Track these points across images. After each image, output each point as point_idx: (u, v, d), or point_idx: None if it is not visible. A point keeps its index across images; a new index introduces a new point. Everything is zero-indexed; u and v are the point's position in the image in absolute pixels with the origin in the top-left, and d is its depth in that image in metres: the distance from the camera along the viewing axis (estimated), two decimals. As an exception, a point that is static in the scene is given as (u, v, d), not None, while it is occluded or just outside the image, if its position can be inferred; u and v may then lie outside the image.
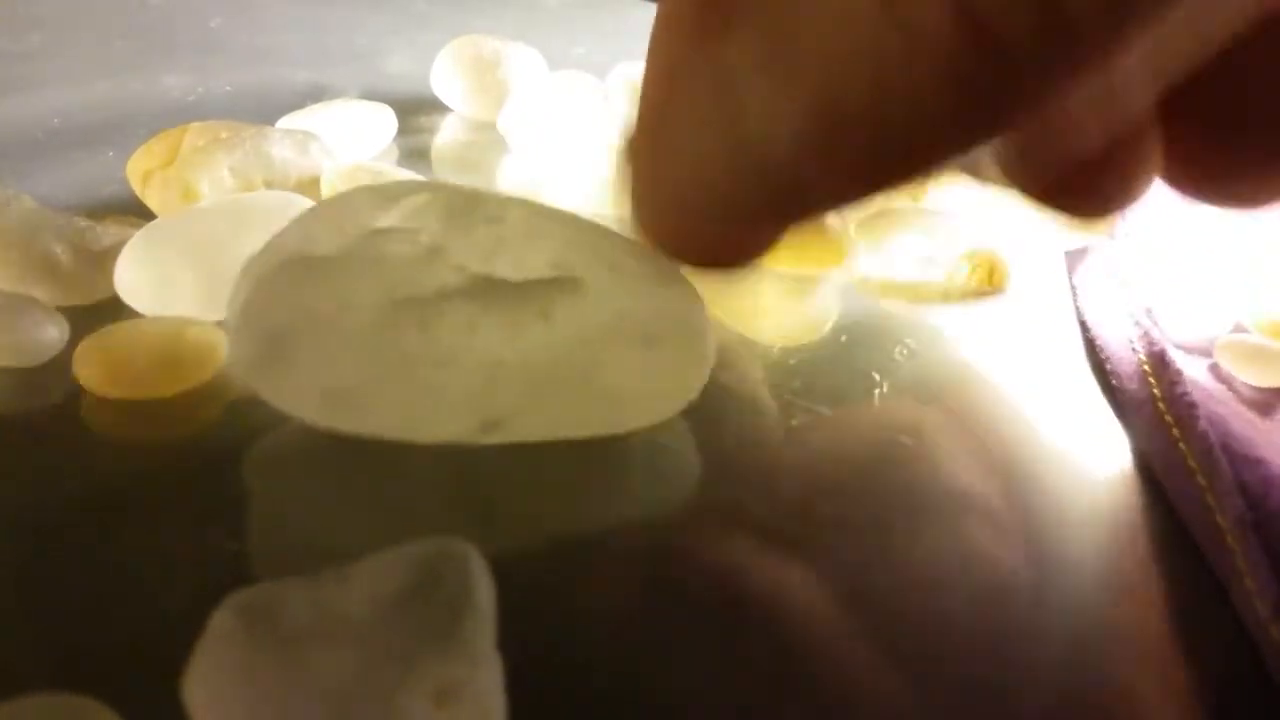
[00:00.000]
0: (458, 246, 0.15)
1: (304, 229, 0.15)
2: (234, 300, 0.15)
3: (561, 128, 0.25)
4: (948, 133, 0.11)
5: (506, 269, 0.15)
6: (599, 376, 0.16)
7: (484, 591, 0.12)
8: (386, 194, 0.16)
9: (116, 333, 0.17)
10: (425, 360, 0.15)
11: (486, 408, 0.15)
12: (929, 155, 0.12)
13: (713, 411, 0.18)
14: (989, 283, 0.23)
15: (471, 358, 0.15)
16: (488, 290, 0.15)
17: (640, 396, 0.16)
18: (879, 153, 0.12)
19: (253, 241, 0.15)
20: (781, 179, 0.12)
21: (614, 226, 0.17)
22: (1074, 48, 0.11)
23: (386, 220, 0.15)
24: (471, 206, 0.16)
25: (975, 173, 0.14)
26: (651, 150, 0.14)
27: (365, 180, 0.22)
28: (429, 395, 0.15)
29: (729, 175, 0.13)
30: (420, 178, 0.23)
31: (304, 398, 0.15)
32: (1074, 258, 0.25)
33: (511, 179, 0.26)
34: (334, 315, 0.14)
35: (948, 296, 0.23)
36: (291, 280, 0.15)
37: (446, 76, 0.29)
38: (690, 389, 0.17)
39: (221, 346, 0.17)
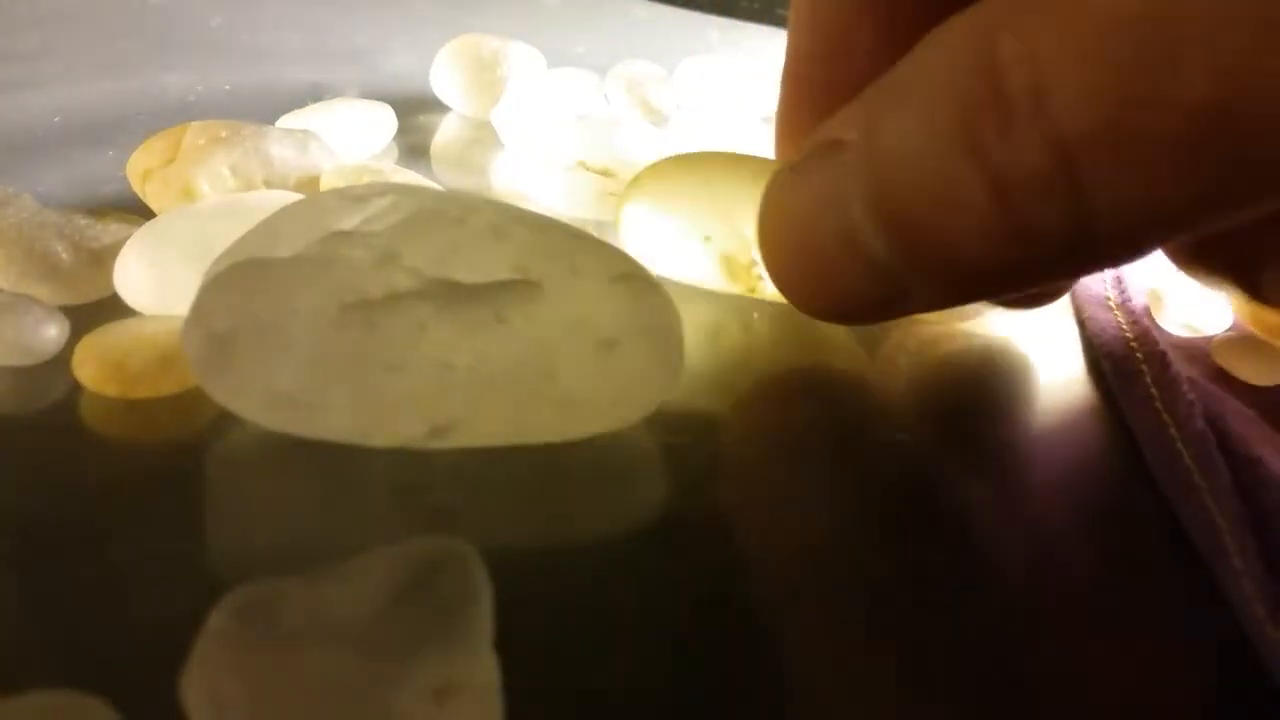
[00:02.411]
0: (414, 249, 0.15)
1: (267, 231, 0.15)
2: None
3: (555, 124, 0.25)
4: (1004, 280, 0.14)
5: (463, 272, 0.15)
6: (555, 381, 0.16)
7: (483, 591, 0.12)
8: (354, 196, 0.16)
9: (116, 332, 0.17)
10: (373, 363, 0.15)
11: (436, 412, 0.15)
12: (999, 293, 0.15)
13: (701, 411, 0.18)
14: None
15: (421, 361, 0.15)
16: (442, 293, 0.15)
17: (599, 402, 0.16)
18: (954, 282, 0.14)
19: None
20: (882, 287, 0.14)
21: (589, 228, 0.17)
22: (1100, 251, 0.12)
23: (349, 222, 0.15)
24: (436, 209, 0.16)
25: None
26: (773, 232, 0.16)
27: (366, 179, 0.22)
28: (377, 399, 0.15)
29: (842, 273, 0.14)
30: (420, 177, 0.23)
31: (250, 400, 0.15)
32: None
33: (503, 176, 0.26)
34: (281, 318, 0.15)
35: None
36: (241, 282, 0.15)
37: (446, 76, 0.29)
38: (655, 394, 0.16)
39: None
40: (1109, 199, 0.11)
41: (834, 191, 0.14)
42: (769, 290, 0.21)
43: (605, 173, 0.23)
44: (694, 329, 0.19)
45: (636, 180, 0.21)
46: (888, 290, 0.14)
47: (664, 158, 0.21)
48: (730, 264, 0.21)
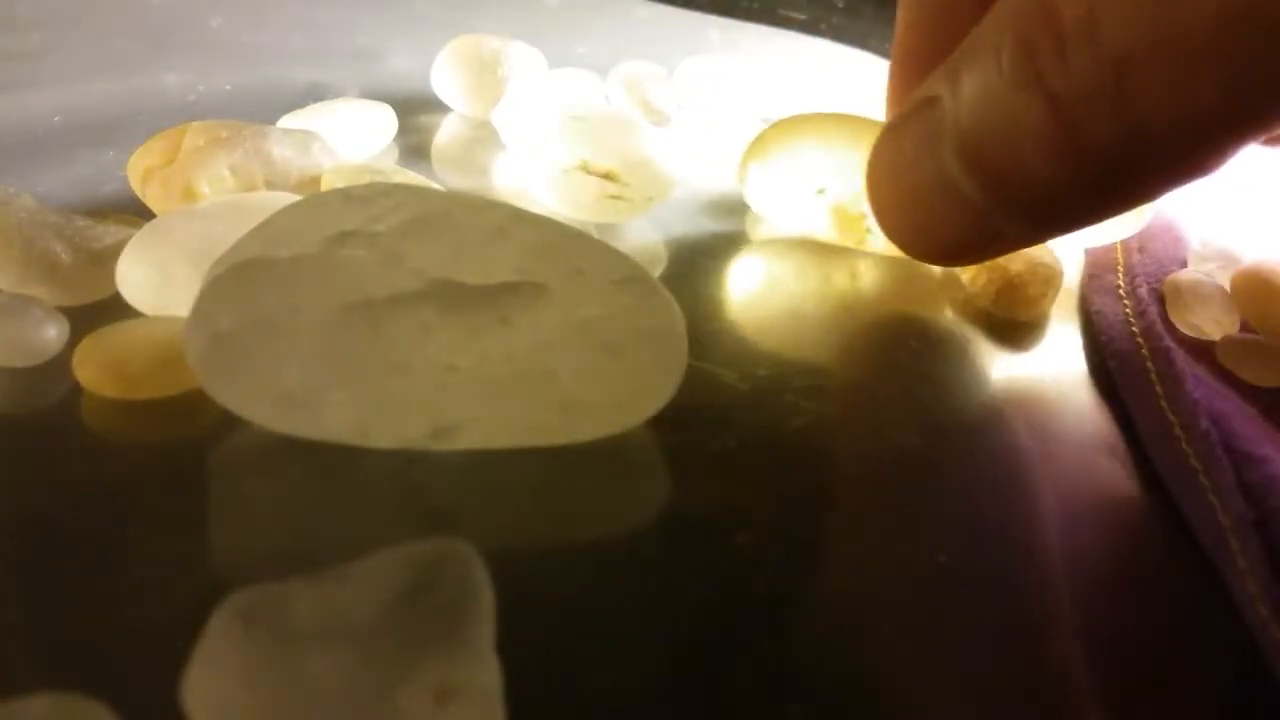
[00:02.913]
0: (419, 250, 0.15)
1: (269, 231, 0.15)
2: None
3: (553, 124, 0.25)
4: (1077, 204, 0.15)
5: (467, 273, 0.15)
6: (558, 384, 0.15)
7: (484, 592, 0.12)
8: (356, 196, 0.16)
9: (117, 332, 0.17)
10: (376, 364, 0.15)
11: (438, 413, 0.15)
12: (1076, 220, 0.15)
13: (702, 411, 0.18)
14: (1006, 304, 0.22)
15: (424, 362, 0.15)
16: (445, 295, 0.15)
17: (602, 404, 0.16)
18: (1041, 209, 0.15)
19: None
20: (975, 224, 0.16)
21: (591, 230, 0.17)
22: (1155, 161, 0.14)
23: (351, 223, 0.15)
24: (439, 210, 0.16)
25: None
26: (880, 182, 0.17)
27: (367, 180, 0.22)
28: (379, 400, 0.15)
29: (938, 217, 0.16)
30: (421, 177, 0.23)
31: (252, 401, 0.15)
32: (1094, 254, 0.25)
33: (505, 177, 0.26)
34: (283, 319, 0.14)
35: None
36: (242, 283, 0.15)
37: (447, 76, 0.29)
38: (657, 397, 0.16)
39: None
40: (1153, 105, 0.13)
41: (928, 141, 0.16)
42: (876, 244, 0.23)
43: (609, 175, 0.23)
44: (805, 278, 0.23)
45: (759, 138, 0.23)
46: (981, 227, 0.16)
47: (784, 118, 0.24)
48: (841, 215, 0.23)
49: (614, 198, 0.23)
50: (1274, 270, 0.23)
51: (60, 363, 0.17)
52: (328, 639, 0.11)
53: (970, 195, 0.15)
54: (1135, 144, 0.13)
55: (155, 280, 0.18)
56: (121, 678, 0.12)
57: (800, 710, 0.13)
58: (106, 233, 0.19)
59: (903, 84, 0.21)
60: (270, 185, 0.22)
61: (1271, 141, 0.19)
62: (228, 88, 0.30)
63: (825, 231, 0.24)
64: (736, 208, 0.25)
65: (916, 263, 0.22)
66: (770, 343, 0.21)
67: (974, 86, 0.15)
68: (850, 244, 0.24)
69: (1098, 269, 0.24)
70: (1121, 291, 0.23)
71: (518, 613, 0.13)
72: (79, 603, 0.13)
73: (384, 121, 0.27)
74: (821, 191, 0.23)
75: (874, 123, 0.22)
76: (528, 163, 0.24)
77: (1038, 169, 0.14)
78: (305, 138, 0.23)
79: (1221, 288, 0.23)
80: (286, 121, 0.25)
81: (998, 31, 0.14)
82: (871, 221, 0.21)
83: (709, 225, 0.25)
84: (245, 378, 0.15)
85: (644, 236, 0.24)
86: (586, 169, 0.23)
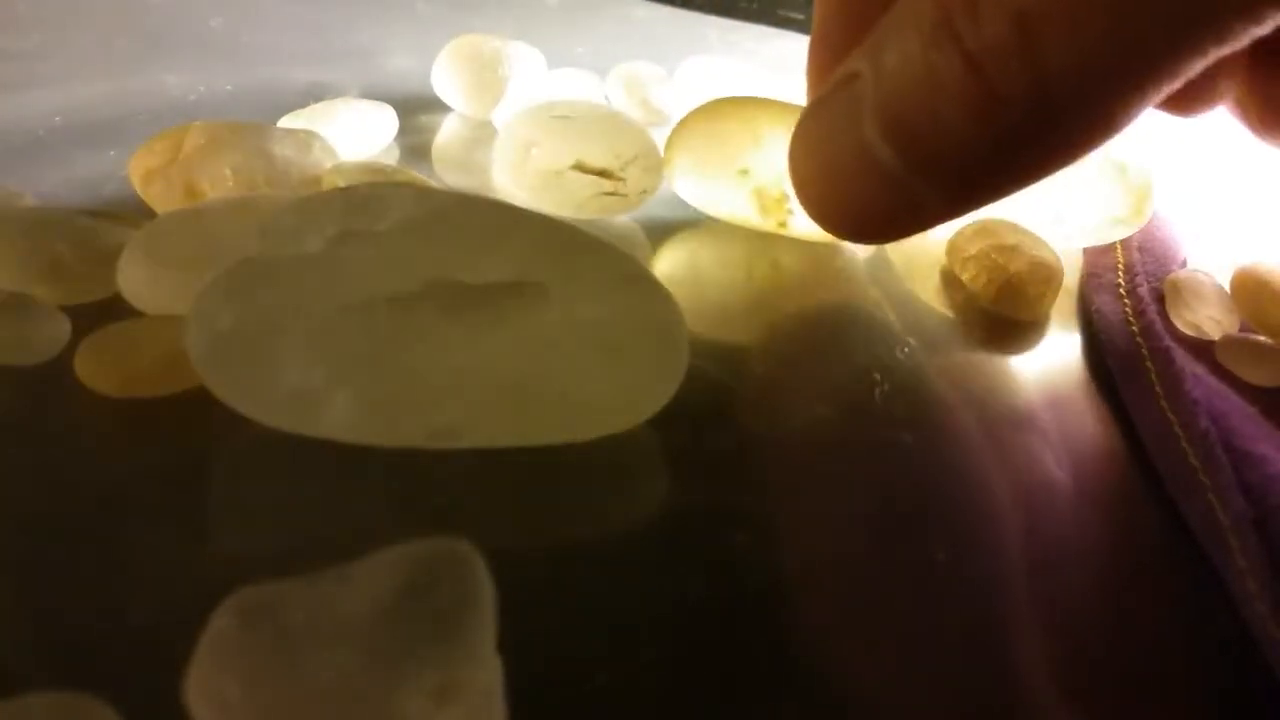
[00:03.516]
0: (419, 250, 0.15)
1: (270, 231, 0.15)
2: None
3: (542, 126, 0.25)
4: (992, 165, 0.15)
5: (467, 273, 0.15)
6: (558, 383, 0.16)
7: (484, 591, 0.12)
8: (358, 195, 0.16)
9: (118, 332, 0.17)
10: (377, 364, 0.15)
11: (439, 413, 0.15)
12: (993, 184, 0.15)
13: (701, 411, 0.18)
14: (1004, 301, 0.22)
15: (425, 362, 0.15)
16: (445, 295, 0.15)
17: (602, 404, 0.16)
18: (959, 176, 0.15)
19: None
20: (896, 196, 0.16)
21: (587, 229, 0.17)
22: (1063, 117, 0.14)
23: (352, 223, 0.15)
24: (441, 210, 0.16)
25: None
26: (801, 158, 0.17)
27: (367, 180, 0.22)
28: (380, 399, 0.15)
29: (858, 186, 0.16)
30: (422, 177, 0.23)
31: (253, 400, 0.15)
32: (1094, 254, 0.25)
33: (504, 177, 0.26)
34: (283, 318, 0.15)
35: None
36: (243, 282, 0.15)
37: (447, 76, 0.29)
38: (657, 397, 0.16)
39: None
40: (1059, 55, 0.13)
41: (848, 114, 0.16)
42: (798, 227, 0.23)
43: (604, 173, 0.23)
44: (727, 265, 0.23)
45: (683, 122, 0.24)
46: (901, 199, 0.16)
47: (706, 101, 0.24)
48: (763, 197, 0.23)
49: (610, 194, 0.23)
50: (1273, 270, 0.23)
51: (60, 362, 0.17)
52: (328, 639, 0.11)
53: (889, 164, 0.15)
54: (1041, 96, 0.13)
55: (156, 280, 0.18)
56: (122, 677, 0.12)
57: (799, 708, 0.13)
58: (107, 232, 0.19)
59: (821, 67, 0.22)
60: (270, 185, 0.22)
61: (1181, 108, 0.20)
62: (228, 88, 0.30)
63: (748, 213, 0.24)
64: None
65: (902, 261, 0.21)
66: (761, 342, 0.21)
67: (895, 55, 0.15)
68: (772, 227, 0.24)
69: (1097, 268, 0.24)
70: (1121, 291, 0.23)
71: (518, 613, 0.13)
72: (79, 602, 0.13)
73: (384, 121, 0.27)
74: (744, 172, 0.23)
75: (796, 107, 0.22)
76: (519, 166, 0.24)
77: (955, 126, 0.14)
78: (305, 138, 0.23)
79: (1221, 287, 0.23)
80: (287, 121, 0.25)
81: (919, 2, 0.15)
82: (794, 204, 0.21)
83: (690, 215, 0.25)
84: (246, 376, 0.15)
85: (632, 231, 0.24)
86: (582, 168, 0.23)
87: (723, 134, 0.23)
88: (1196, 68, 0.13)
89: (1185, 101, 0.19)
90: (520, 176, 0.24)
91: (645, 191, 0.24)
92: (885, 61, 0.15)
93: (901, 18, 0.15)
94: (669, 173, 0.24)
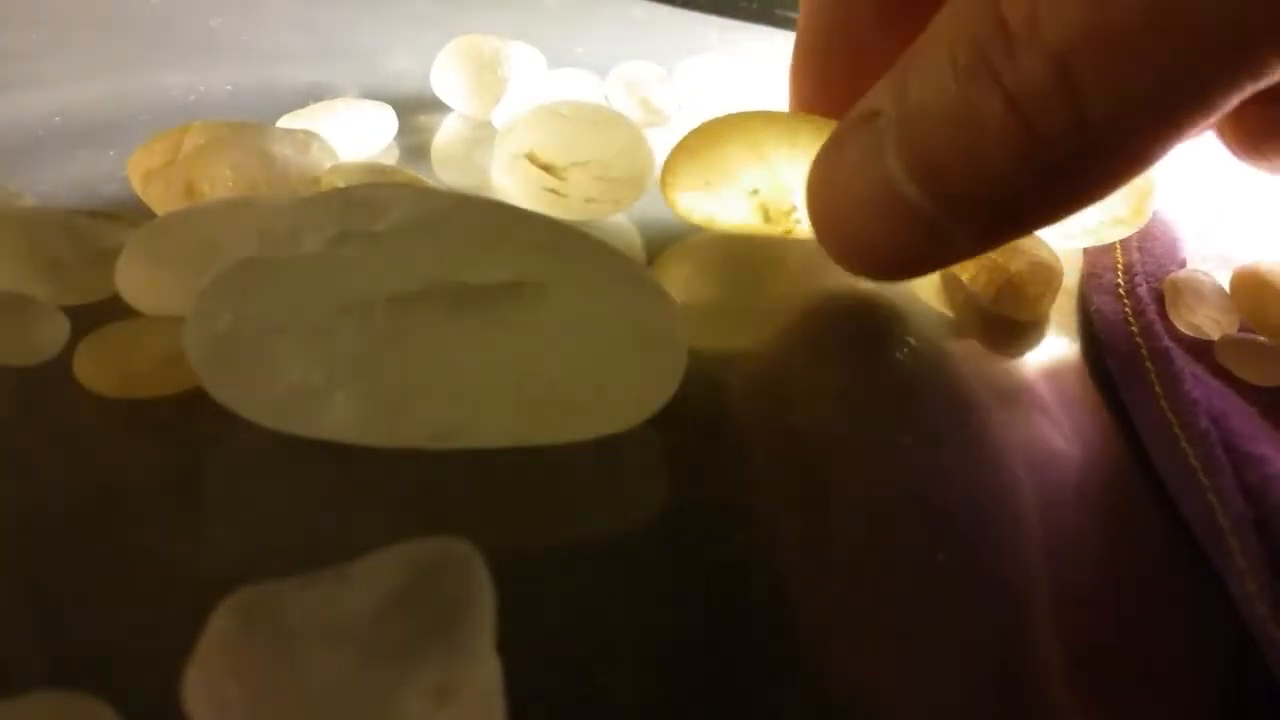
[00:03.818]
0: (418, 250, 0.15)
1: (270, 231, 0.15)
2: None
3: (523, 113, 0.25)
4: (1029, 201, 0.15)
5: (467, 273, 0.15)
6: (558, 383, 0.16)
7: (484, 591, 0.12)
8: (358, 196, 0.16)
9: (117, 332, 0.17)
10: (376, 364, 0.15)
11: (438, 413, 0.15)
12: (1027, 221, 0.15)
13: (701, 411, 0.18)
14: (1009, 305, 0.22)
15: (424, 363, 0.15)
16: (445, 295, 0.15)
17: (602, 404, 0.16)
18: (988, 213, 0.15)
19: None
20: (923, 233, 0.15)
21: (588, 229, 0.17)
22: (1105, 153, 0.14)
23: (353, 222, 0.15)
24: (440, 210, 0.16)
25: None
26: (821, 198, 0.17)
27: (367, 180, 0.22)
28: (379, 400, 0.15)
29: (881, 225, 0.16)
30: (421, 177, 0.23)
31: (252, 400, 0.15)
32: (1094, 254, 0.25)
33: (504, 176, 0.26)
34: (283, 318, 0.15)
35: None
36: (243, 282, 0.15)
37: (447, 76, 0.29)
38: (657, 397, 0.16)
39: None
40: (1099, 96, 0.13)
41: (871, 153, 0.15)
42: (803, 231, 0.23)
43: (549, 168, 0.23)
44: (727, 265, 0.23)
45: (680, 145, 0.23)
46: (926, 236, 0.15)
47: (705, 120, 0.23)
48: (770, 210, 0.23)
49: (551, 191, 0.23)
50: (1272, 270, 0.23)
51: (60, 362, 0.17)
52: (327, 638, 0.11)
53: (915, 201, 0.15)
54: (1082, 135, 0.14)
55: (155, 280, 0.18)
56: (121, 677, 0.12)
57: (800, 709, 0.13)
58: (106, 232, 0.19)
59: (804, 76, 0.22)
60: (270, 185, 0.22)
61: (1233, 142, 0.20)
62: (228, 88, 0.30)
63: (752, 222, 0.23)
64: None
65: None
66: (762, 342, 0.21)
67: (924, 91, 0.15)
68: (777, 233, 0.23)
69: (1097, 268, 0.24)
70: (1121, 291, 0.23)
71: (518, 613, 0.13)
72: (79, 602, 0.13)
73: (384, 121, 0.27)
74: (754, 193, 0.22)
75: (795, 117, 0.22)
76: (495, 149, 0.24)
77: (992, 164, 0.14)
78: (306, 138, 0.23)
79: (1220, 287, 0.23)
80: (286, 121, 0.25)
81: (949, 37, 0.15)
82: (801, 213, 0.21)
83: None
84: (245, 377, 0.15)
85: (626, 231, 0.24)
86: (532, 159, 0.23)
87: (724, 157, 0.23)
88: (1234, 102, 0.13)
89: None
90: (514, 177, 0.23)
91: (619, 202, 0.23)
92: (911, 98, 0.15)
93: (925, 55, 0.15)
94: (668, 195, 0.23)
